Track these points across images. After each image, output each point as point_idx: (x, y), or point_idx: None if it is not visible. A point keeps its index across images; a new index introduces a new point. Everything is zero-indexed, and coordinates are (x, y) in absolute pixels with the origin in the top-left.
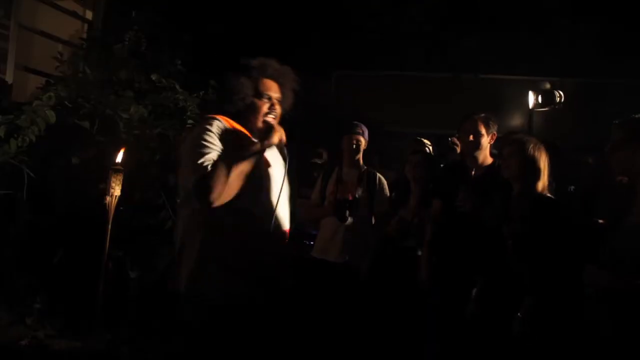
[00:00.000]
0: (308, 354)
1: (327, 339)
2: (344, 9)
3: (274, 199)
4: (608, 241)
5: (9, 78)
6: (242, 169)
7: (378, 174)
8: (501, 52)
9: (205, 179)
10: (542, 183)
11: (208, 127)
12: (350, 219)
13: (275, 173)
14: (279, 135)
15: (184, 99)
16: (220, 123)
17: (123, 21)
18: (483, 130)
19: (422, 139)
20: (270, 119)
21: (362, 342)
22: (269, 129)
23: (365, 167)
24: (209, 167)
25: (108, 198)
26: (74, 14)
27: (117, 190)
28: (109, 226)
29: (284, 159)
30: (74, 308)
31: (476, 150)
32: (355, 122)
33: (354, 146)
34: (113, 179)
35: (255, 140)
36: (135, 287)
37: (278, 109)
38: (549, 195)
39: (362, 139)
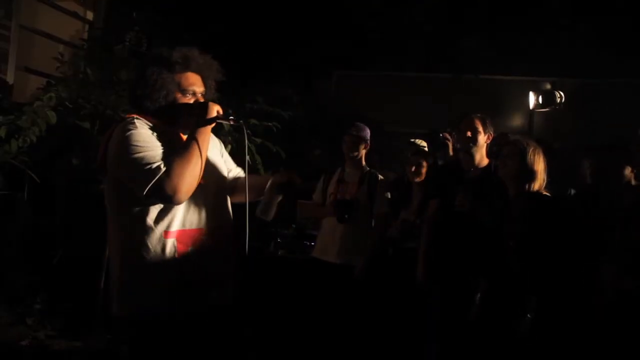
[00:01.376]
0: (307, 354)
1: (326, 339)
2: (344, 9)
3: (211, 192)
4: (627, 243)
5: (9, 79)
6: (202, 155)
7: (379, 175)
8: (501, 53)
9: (164, 182)
10: (538, 183)
11: (132, 128)
12: (349, 220)
13: (212, 162)
14: (215, 108)
15: None
16: (141, 122)
17: (123, 21)
18: (480, 128)
19: (417, 141)
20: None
21: (361, 343)
22: (203, 106)
23: (368, 168)
24: (162, 166)
25: None
26: (74, 15)
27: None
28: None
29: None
30: (74, 308)
31: (473, 146)
32: (356, 122)
33: (354, 146)
34: None
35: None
36: None
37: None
38: (546, 193)
39: (362, 138)
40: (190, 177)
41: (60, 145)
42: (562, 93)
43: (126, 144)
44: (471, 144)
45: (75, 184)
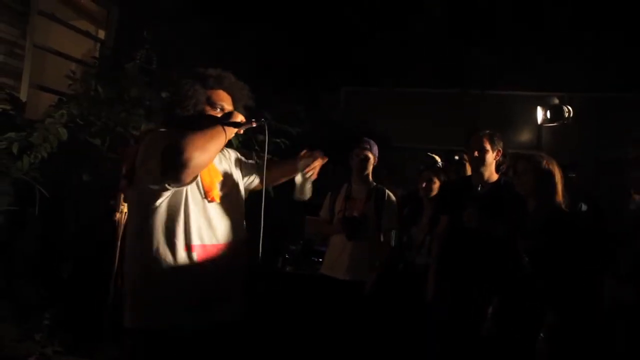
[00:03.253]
0: None
1: (335, 357)
2: (351, 24)
3: (223, 209)
4: (629, 255)
5: (23, 96)
6: (211, 138)
7: (387, 191)
8: (508, 67)
9: (177, 153)
10: (558, 197)
11: (157, 135)
12: (358, 237)
13: (228, 182)
14: (240, 117)
15: None
16: (165, 132)
17: (134, 40)
18: (488, 147)
19: (434, 155)
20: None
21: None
22: (229, 114)
23: (375, 184)
24: (175, 142)
25: (118, 214)
26: (86, 34)
27: (126, 207)
28: (118, 242)
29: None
30: (83, 324)
31: (481, 166)
32: (365, 138)
33: (363, 162)
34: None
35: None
36: None
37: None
38: (565, 209)
39: (370, 154)
40: (199, 154)
41: (71, 162)
42: (570, 108)
43: (147, 146)
44: (479, 163)
45: (86, 200)
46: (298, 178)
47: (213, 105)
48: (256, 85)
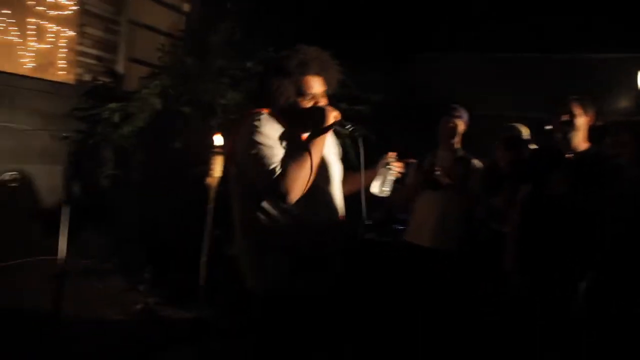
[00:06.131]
0: (401, 340)
1: (422, 325)
2: None
3: (332, 185)
4: None
5: (120, 69)
6: (313, 161)
7: (473, 159)
8: (600, 28)
9: (279, 182)
10: None
11: (257, 124)
12: (444, 187)
13: (330, 158)
14: (334, 114)
15: None
16: (267, 118)
17: (218, 12)
18: (578, 111)
19: (516, 124)
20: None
21: (455, 326)
22: (322, 112)
23: (462, 152)
24: (277, 168)
25: (209, 179)
26: (173, 7)
27: (217, 172)
28: (211, 205)
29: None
30: (178, 280)
31: (570, 132)
32: (453, 105)
33: (452, 129)
34: (214, 161)
35: (311, 129)
36: (231, 264)
37: (323, 101)
38: None
39: (460, 122)
40: (302, 181)
41: (164, 129)
42: None
43: (252, 140)
44: (568, 128)
45: (178, 165)
46: (379, 174)
47: (304, 96)
48: (336, 54)
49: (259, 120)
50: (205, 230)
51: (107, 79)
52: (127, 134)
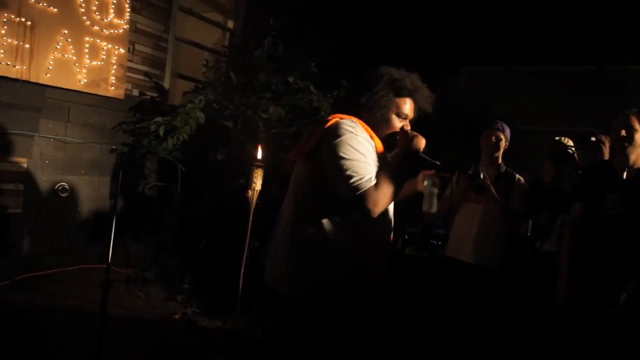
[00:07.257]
0: (440, 353)
1: (460, 339)
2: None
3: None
4: None
5: (166, 84)
6: (400, 182)
7: (517, 175)
8: None
9: (370, 194)
10: None
11: (354, 133)
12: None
13: None
14: (423, 142)
15: (318, 99)
16: (359, 127)
17: (261, 28)
18: (638, 126)
19: (562, 139)
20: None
21: (495, 343)
22: (413, 137)
23: (505, 167)
24: (372, 179)
25: (250, 191)
26: (217, 24)
27: (258, 185)
28: (250, 217)
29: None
30: (216, 290)
31: (628, 147)
32: (496, 120)
33: (494, 144)
34: (255, 174)
35: (396, 151)
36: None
37: (408, 125)
38: None
39: (502, 136)
40: (390, 199)
41: (207, 143)
42: None
43: (346, 146)
44: (626, 144)
45: (219, 177)
46: (425, 192)
47: (399, 115)
48: (375, 66)
49: (352, 127)
50: (244, 241)
51: (153, 94)
52: (172, 147)
